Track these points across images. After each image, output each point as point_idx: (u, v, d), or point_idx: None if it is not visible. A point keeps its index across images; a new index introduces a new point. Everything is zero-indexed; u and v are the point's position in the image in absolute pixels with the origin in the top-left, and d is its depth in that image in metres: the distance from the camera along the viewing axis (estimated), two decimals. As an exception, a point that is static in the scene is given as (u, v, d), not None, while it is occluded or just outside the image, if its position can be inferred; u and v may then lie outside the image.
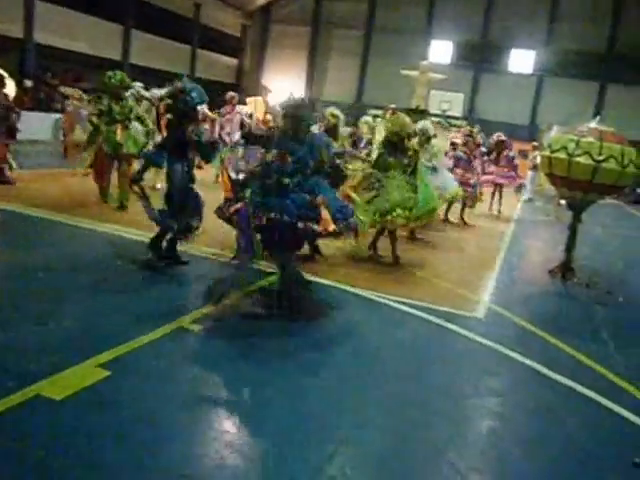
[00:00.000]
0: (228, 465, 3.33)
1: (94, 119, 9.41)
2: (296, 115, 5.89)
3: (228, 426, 3.77)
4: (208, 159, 7.37)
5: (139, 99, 11.34)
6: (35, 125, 16.97)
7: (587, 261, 9.94)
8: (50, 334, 4.67)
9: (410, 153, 8.33)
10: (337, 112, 8.49)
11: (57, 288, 5.76)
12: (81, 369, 4.09)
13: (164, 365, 4.45)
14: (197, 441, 3.55)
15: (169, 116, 6.97)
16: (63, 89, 11.99)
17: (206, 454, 3.41)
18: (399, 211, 7.82)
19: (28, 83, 21.97)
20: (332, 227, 5.59)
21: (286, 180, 5.68)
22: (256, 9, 38.68)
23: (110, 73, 9.56)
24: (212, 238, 7.78)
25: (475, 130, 15.33)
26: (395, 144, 8.22)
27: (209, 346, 4.91)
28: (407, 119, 8.65)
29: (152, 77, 28.07)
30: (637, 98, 30.87)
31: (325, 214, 5.55)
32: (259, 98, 16.42)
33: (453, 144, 13.81)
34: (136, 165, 9.12)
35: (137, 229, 8.11)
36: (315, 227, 5.58)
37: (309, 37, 37.75)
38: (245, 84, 36.43)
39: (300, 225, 5.55)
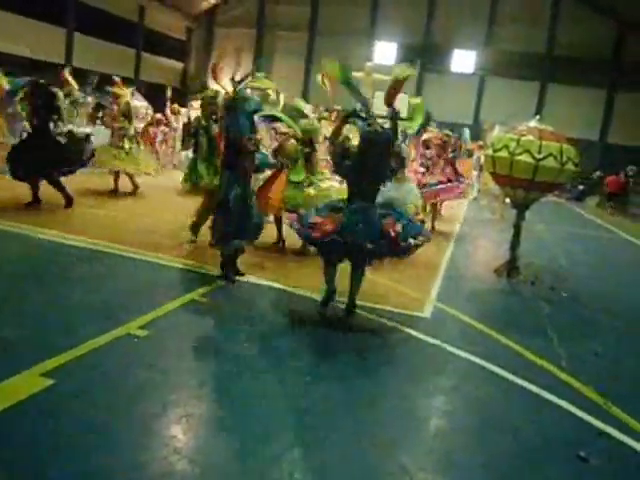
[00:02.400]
0: (176, 471, 3.30)
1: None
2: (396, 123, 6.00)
3: (176, 432, 3.72)
4: (258, 170, 7.33)
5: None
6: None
7: (531, 258, 10.13)
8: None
9: None
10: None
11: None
12: (23, 378, 3.98)
13: (110, 372, 4.36)
14: (144, 448, 3.50)
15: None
16: None
17: (154, 460, 3.37)
18: None
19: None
20: None
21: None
22: (201, 12, 38.50)
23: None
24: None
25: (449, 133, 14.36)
26: None
27: (156, 352, 4.84)
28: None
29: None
30: (575, 97, 31.79)
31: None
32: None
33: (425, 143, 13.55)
34: None
35: (75, 235, 7.99)
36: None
37: (254, 40, 37.68)
38: (191, 87, 36.04)
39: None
